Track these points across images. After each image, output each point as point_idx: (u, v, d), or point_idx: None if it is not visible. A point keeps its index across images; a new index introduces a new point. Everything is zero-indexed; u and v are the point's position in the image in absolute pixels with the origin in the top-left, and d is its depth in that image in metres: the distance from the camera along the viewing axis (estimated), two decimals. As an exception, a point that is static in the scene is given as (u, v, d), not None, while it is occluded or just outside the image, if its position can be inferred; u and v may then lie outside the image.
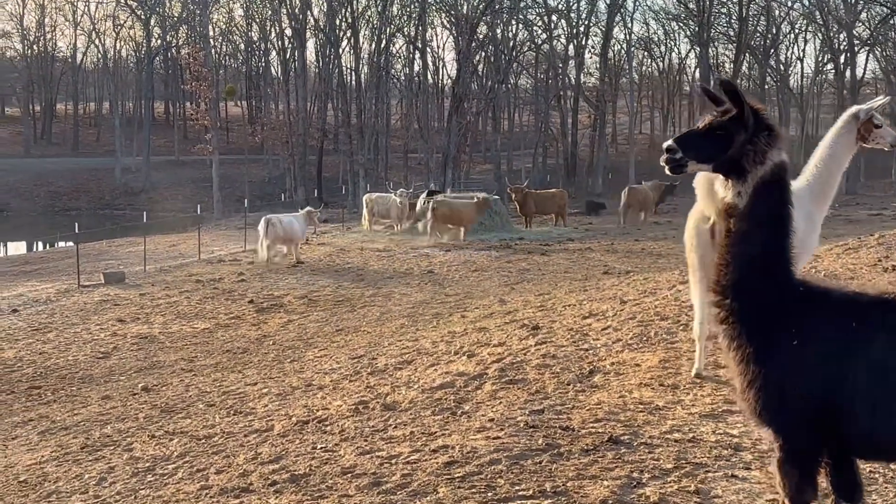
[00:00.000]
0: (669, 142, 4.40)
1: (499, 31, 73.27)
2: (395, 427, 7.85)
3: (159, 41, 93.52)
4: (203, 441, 9.17)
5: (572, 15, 77.38)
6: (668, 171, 4.44)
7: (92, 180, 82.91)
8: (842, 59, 72.68)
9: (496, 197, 42.25)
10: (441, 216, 35.76)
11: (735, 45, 75.65)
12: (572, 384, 8.57)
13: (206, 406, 11.74)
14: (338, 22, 71.27)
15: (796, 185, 7.78)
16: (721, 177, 4.36)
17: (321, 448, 7.55)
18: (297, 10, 66.97)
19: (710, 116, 4.43)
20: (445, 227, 36.09)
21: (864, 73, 77.87)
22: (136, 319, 21.17)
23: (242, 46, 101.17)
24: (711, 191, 8.34)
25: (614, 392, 8.05)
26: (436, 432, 7.41)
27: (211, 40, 76.81)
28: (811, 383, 4.14)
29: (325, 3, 72.36)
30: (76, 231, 28.20)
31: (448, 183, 58.13)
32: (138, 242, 40.21)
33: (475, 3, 67.32)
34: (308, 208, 34.22)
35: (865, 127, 7.92)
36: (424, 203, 40.52)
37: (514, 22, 76.80)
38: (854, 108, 8.15)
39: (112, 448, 9.84)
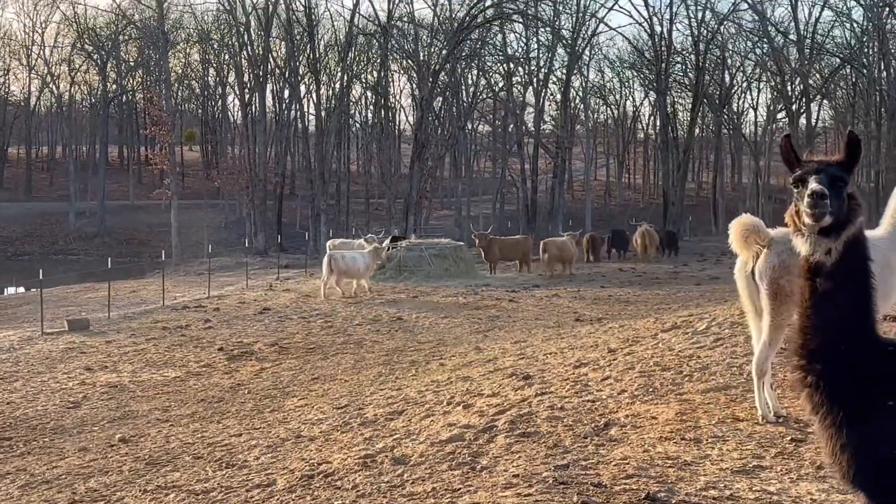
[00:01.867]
0: (818, 185, 3.96)
1: (460, 77, 73.74)
2: (413, 483, 7.57)
3: (114, 85, 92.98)
4: (202, 496, 8.83)
5: (532, 63, 78.01)
6: (809, 220, 4.01)
7: (45, 225, 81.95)
8: (794, 107, 73.81)
9: (461, 243, 42.17)
10: (552, 256, 39.19)
11: (692, 93, 76.49)
12: (590, 437, 8.35)
13: (193, 458, 11.37)
14: (298, 67, 71.23)
15: (875, 234, 7.65)
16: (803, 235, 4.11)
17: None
18: (258, 56, 66.76)
19: (822, 159, 4.21)
20: (555, 265, 39.61)
21: (816, 122, 79.15)
22: (105, 367, 20.66)
23: (198, 91, 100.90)
24: (743, 237, 8.40)
25: (636, 446, 7.84)
26: (459, 489, 7.15)
27: (172, 84, 76.29)
28: None
29: (283, 49, 72.47)
30: (40, 277, 27.55)
31: (410, 228, 58.03)
32: (97, 288, 39.67)
33: (438, 50, 67.61)
34: (375, 245, 34.84)
35: None
36: (388, 249, 40.30)
37: (473, 68, 77.38)
38: None
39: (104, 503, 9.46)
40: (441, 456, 8.41)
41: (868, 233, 4.79)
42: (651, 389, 10.15)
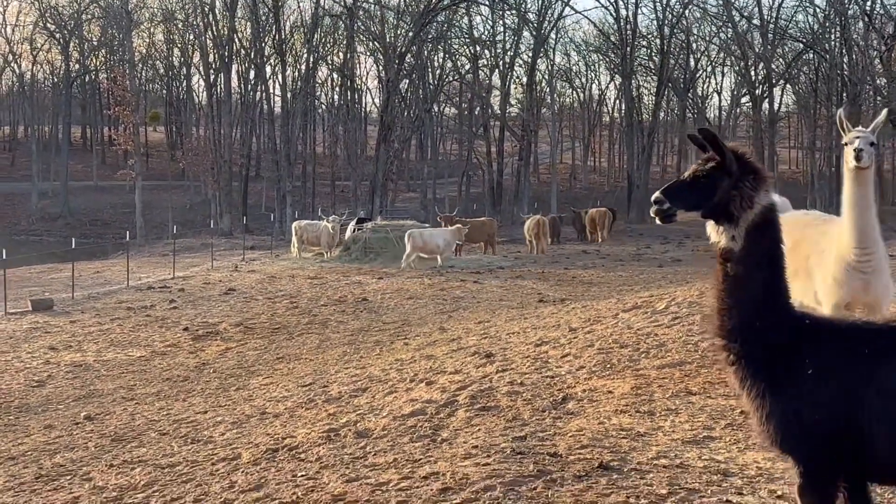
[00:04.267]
0: (657, 194, 4.50)
1: (426, 60, 73.80)
2: (375, 454, 7.77)
3: (77, 65, 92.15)
4: (167, 470, 8.98)
5: (498, 46, 78.13)
6: (658, 221, 4.58)
7: (7, 206, 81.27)
8: (757, 91, 74.47)
9: (427, 225, 42.41)
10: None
11: (657, 77, 76.91)
12: (547, 411, 8.59)
13: (158, 435, 11.51)
14: (264, 48, 70.97)
15: None
16: (712, 222, 4.46)
17: (302, 476, 7.44)
18: (223, 37, 66.43)
19: (694, 165, 4.56)
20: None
21: (779, 107, 79.88)
22: (69, 347, 20.72)
23: (162, 71, 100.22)
24: None
25: (592, 419, 8.08)
26: (420, 459, 7.35)
27: (136, 64, 75.73)
28: (828, 411, 4.21)
29: (248, 30, 72.12)
30: (3, 257, 27.43)
31: (375, 211, 58.12)
32: (60, 269, 39.49)
33: (404, 32, 67.57)
34: (458, 225, 37.87)
35: None
36: (354, 231, 40.51)
37: (440, 51, 77.39)
38: None
39: (69, 478, 9.58)
40: (403, 429, 8.61)
41: None
42: (608, 366, 10.40)
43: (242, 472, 8.15)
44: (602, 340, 12.10)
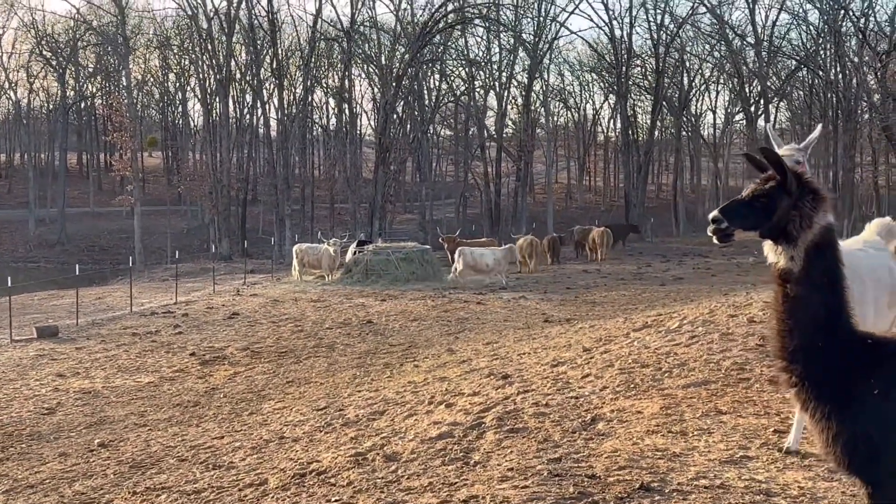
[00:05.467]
0: (715, 212, 4.52)
1: (422, 82, 74.03)
2: (409, 478, 7.71)
3: (73, 91, 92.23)
4: (194, 496, 8.91)
5: (493, 66, 78.37)
6: (715, 241, 4.58)
7: (4, 232, 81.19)
8: (752, 108, 74.67)
9: (427, 246, 42.37)
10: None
11: (652, 96, 77.08)
12: (578, 432, 8.54)
13: (177, 461, 11.43)
14: (261, 71, 71.10)
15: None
16: (770, 242, 4.47)
17: (336, 500, 7.38)
18: (220, 61, 66.47)
19: (753, 184, 4.57)
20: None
21: (774, 123, 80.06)
22: (77, 374, 20.61)
23: (158, 96, 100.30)
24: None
25: (625, 440, 8.03)
26: (456, 482, 7.30)
27: (133, 90, 75.66)
28: None
29: (243, 54, 72.21)
30: (9, 284, 27.39)
31: (375, 233, 58.10)
32: (61, 295, 39.38)
33: (400, 55, 67.65)
34: (510, 245, 39.24)
35: None
36: (355, 253, 40.48)
37: (435, 72, 77.63)
38: None
39: (94, 507, 9.52)
40: (433, 452, 8.55)
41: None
42: (632, 385, 10.34)
43: (272, 497, 8.09)
44: (621, 360, 12.06)
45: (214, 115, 69.84)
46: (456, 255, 35.92)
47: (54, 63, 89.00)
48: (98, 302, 36.67)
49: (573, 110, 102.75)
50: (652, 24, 75.02)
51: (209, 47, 66.55)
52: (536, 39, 72.94)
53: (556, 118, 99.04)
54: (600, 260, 49.30)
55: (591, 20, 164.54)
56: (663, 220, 79.21)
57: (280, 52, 71.24)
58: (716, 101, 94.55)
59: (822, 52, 73.29)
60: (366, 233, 57.53)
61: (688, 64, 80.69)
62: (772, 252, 4.46)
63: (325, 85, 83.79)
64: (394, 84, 63.19)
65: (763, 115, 72.67)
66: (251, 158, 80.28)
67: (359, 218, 64.94)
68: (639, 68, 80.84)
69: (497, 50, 78.41)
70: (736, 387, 9.56)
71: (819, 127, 8.75)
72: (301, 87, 72.92)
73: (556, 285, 35.82)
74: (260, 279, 43.76)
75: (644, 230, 65.84)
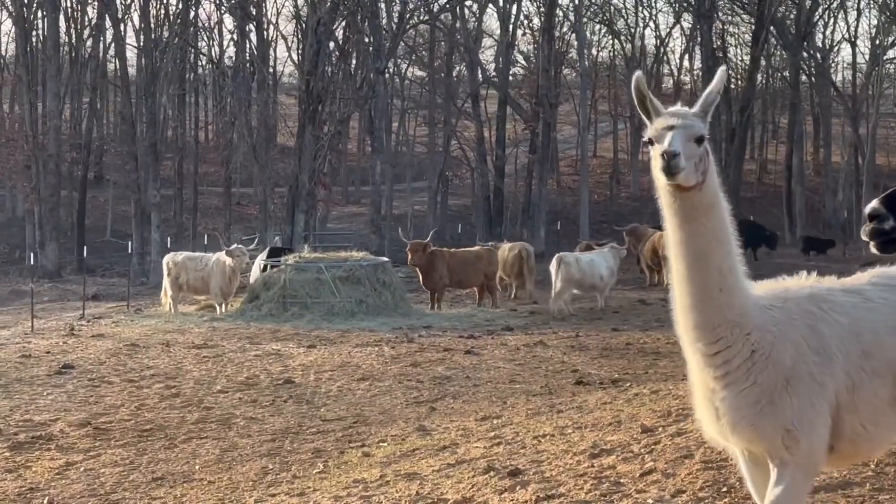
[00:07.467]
0: (875, 203, 4.18)
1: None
2: None
3: None
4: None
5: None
6: (873, 249, 4.28)
7: None
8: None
9: (384, 259, 32.47)
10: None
11: (752, 18, 56.89)
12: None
13: None
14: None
15: None
16: None
17: None
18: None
19: None
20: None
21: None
22: None
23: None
24: None
25: None
26: None
27: None
28: None
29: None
30: None
31: (298, 236, 42.52)
32: None
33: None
34: (612, 243, 31.72)
35: None
36: (264, 268, 30.77)
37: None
38: None
39: None
40: None
41: None
42: (726, 489, 8.12)
43: None
44: (704, 448, 9.40)
45: (35, 39, 50.51)
46: (553, 265, 27.63)
47: None
48: None
49: (624, 38, 74.38)
50: None
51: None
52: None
53: (596, 51, 73.68)
54: (666, 284, 38.70)
55: None
56: (769, 217, 56.57)
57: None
58: (856, 28, 72.95)
59: None
60: (283, 235, 43.90)
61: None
62: None
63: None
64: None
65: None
66: (95, 112, 58.78)
67: (272, 210, 48.83)
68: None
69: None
70: (891, 492, 7.29)
71: (721, 69, 5.31)
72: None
73: (594, 324, 27.89)
74: (108, 310, 34.05)
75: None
